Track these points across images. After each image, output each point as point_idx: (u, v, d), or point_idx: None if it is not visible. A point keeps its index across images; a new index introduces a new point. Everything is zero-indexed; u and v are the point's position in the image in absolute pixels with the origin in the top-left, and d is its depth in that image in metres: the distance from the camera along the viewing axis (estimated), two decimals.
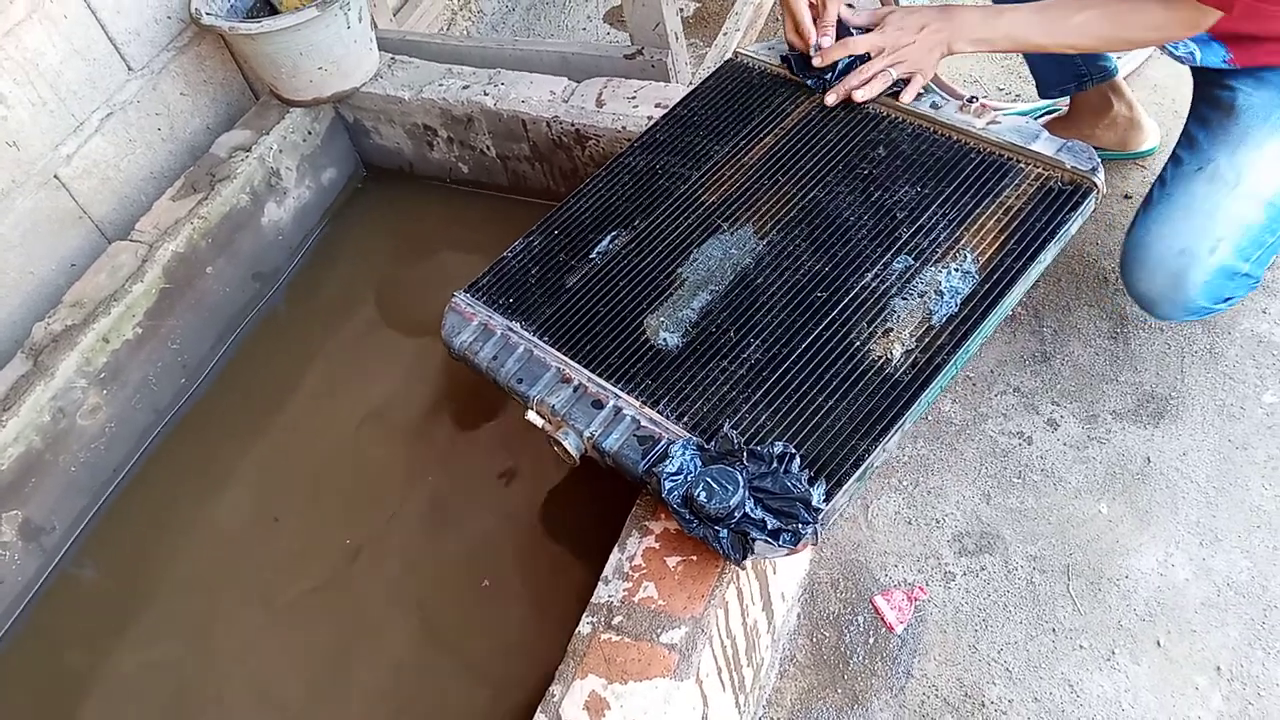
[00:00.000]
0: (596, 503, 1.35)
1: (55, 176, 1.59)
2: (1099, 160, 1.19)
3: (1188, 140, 1.38)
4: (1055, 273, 1.68)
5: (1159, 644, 1.28)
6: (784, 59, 1.42)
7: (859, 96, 1.32)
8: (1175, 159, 1.38)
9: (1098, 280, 1.66)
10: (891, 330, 1.11)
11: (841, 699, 1.30)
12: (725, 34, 1.90)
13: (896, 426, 1.03)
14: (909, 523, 1.44)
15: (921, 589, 1.37)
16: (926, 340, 1.09)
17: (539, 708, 0.97)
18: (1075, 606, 1.33)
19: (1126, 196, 1.77)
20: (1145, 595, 1.32)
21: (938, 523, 1.43)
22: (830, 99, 1.35)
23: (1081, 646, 1.29)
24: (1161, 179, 1.38)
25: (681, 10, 2.40)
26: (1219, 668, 1.25)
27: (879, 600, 1.37)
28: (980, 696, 1.27)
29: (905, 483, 1.48)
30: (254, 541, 1.43)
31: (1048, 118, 1.83)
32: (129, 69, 1.68)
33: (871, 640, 1.34)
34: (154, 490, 1.52)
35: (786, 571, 1.30)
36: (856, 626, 1.35)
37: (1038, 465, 1.47)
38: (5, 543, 1.38)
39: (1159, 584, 1.33)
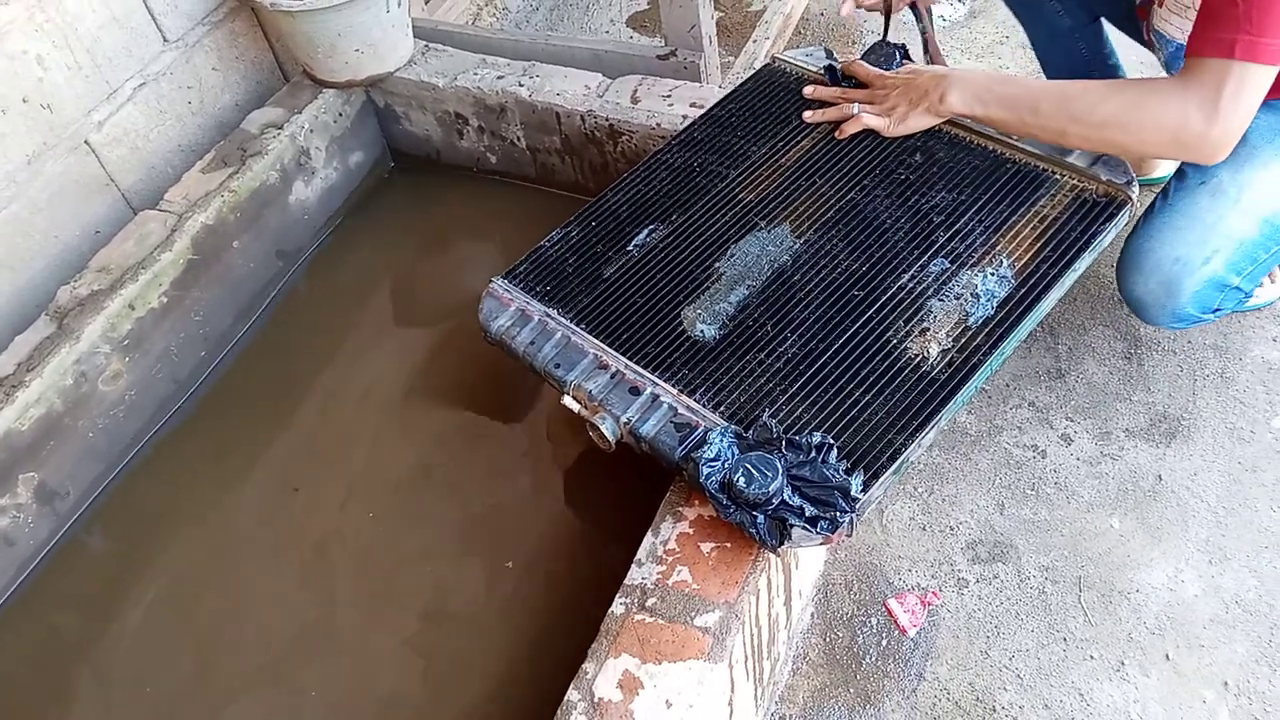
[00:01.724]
0: (618, 491, 1.36)
1: (86, 142, 1.58)
2: (1134, 175, 1.22)
3: None
4: (1071, 292, 1.70)
5: (1168, 657, 1.30)
6: (825, 68, 1.45)
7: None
8: (1180, 174, 1.42)
9: (1113, 301, 1.69)
10: (928, 330, 1.13)
11: (853, 698, 1.31)
12: (754, 41, 1.93)
13: (933, 422, 1.04)
14: (923, 529, 1.46)
15: (935, 594, 1.38)
16: (963, 341, 1.11)
17: (571, 684, 0.97)
18: (1086, 617, 1.34)
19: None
20: (1155, 609, 1.34)
21: (952, 530, 1.45)
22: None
23: (1092, 657, 1.31)
24: (1164, 191, 1.41)
25: None
26: (1226, 683, 1.27)
27: (892, 603, 1.38)
28: (991, 701, 1.28)
29: (920, 490, 1.50)
30: (271, 511, 1.43)
31: None
32: (164, 40, 1.68)
33: (884, 642, 1.35)
34: (170, 460, 1.51)
35: (805, 569, 1.31)
36: (870, 628, 1.37)
37: (1051, 478, 1.49)
38: (20, 504, 1.37)
39: (1169, 599, 1.35)
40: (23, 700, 1.28)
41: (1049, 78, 1.79)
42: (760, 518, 1.00)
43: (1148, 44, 1.50)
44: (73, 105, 1.56)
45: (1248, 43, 1.08)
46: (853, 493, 0.99)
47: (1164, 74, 1.50)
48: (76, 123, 1.57)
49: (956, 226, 1.22)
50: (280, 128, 1.69)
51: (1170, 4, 1.33)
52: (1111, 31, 1.71)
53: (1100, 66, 1.72)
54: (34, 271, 1.55)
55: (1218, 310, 1.41)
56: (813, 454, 1.01)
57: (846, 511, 0.98)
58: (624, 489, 1.35)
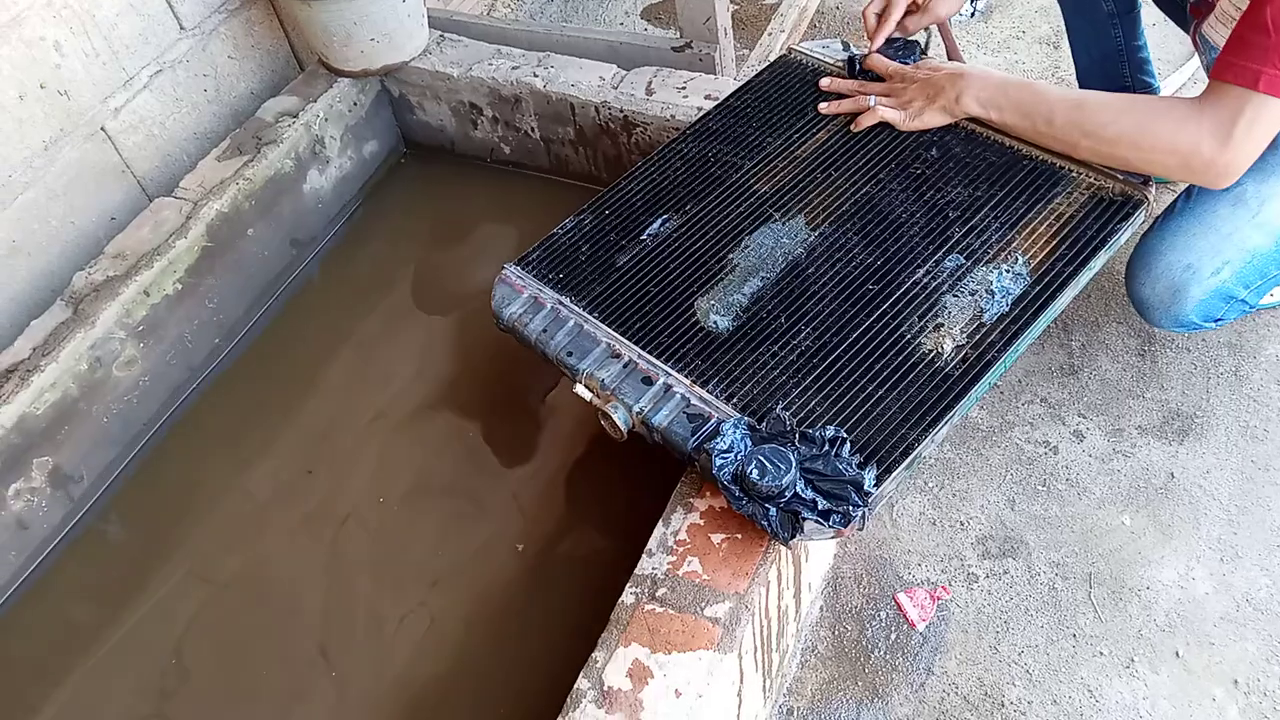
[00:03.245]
0: (629, 481, 1.37)
1: (102, 129, 1.59)
2: (1150, 174, 1.21)
3: None
4: (1085, 288, 1.70)
5: (1178, 655, 1.30)
6: (846, 59, 1.44)
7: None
8: None
9: (1127, 298, 1.68)
10: (942, 325, 1.12)
11: (862, 692, 1.31)
12: (770, 34, 1.92)
13: (946, 418, 1.04)
14: (934, 524, 1.45)
15: (945, 588, 1.38)
16: (977, 337, 1.11)
17: (581, 672, 0.98)
18: (1096, 614, 1.34)
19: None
20: (1165, 607, 1.34)
21: (962, 525, 1.45)
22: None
23: (1101, 653, 1.31)
24: (1188, 192, 1.41)
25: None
26: (1236, 681, 1.27)
27: (902, 597, 1.38)
28: (1000, 696, 1.28)
29: (931, 484, 1.50)
30: (284, 495, 1.43)
31: None
32: (181, 28, 1.69)
33: (893, 636, 1.35)
34: (183, 446, 1.52)
35: (815, 561, 1.31)
36: (879, 622, 1.37)
37: (1063, 474, 1.48)
38: (34, 489, 1.38)
39: (1179, 596, 1.34)
40: (38, 684, 1.29)
41: (1078, 62, 1.79)
42: (773, 510, 1.00)
43: (1193, 41, 1.49)
44: (89, 92, 1.57)
45: (1272, 77, 1.08)
46: (866, 487, 0.99)
47: (1205, 75, 1.49)
48: (93, 109, 1.58)
49: (972, 222, 1.22)
50: (295, 116, 1.69)
51: (1220, 14, 1.33)
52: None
53: (1131, 57, 1.71)
54: (50, 257, 1.56)
55: (1219, 320, 1.41)
56: (826, 447, 1.01)
57: (859, 505, 0.98)
58: (635, 478, 1.35)
